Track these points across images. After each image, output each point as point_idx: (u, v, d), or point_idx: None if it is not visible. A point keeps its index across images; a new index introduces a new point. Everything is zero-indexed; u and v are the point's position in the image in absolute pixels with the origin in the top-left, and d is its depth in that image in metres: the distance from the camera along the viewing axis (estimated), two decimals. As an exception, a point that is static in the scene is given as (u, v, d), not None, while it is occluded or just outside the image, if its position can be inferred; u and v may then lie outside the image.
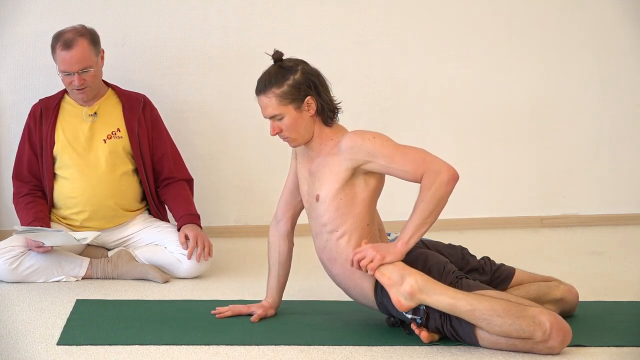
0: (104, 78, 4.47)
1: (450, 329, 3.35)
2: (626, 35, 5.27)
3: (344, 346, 3.41)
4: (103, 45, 4.40)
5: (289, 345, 3.43)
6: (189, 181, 4.59)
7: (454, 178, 3.36)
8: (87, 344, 3.43)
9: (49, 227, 4.29)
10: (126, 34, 4.94)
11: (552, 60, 5.28)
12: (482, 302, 3.27)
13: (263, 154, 5.11)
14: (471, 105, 5.27)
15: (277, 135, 3.52)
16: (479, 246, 3.93)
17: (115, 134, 4.43)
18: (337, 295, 3.84)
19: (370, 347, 3.41)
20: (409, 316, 3.37)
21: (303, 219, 3.73)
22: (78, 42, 4.28)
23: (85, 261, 4.29)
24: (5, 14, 4.85)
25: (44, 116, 4.42)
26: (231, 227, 5.17)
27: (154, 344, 3.43)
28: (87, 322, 3.68)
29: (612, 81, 5.32)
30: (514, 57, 5.26)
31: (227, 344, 3.43)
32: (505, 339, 3.28)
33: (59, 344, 3.44)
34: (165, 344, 3.43)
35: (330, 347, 3.41)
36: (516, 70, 5.27)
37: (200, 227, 4.40)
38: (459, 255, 3.65)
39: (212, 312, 3.74)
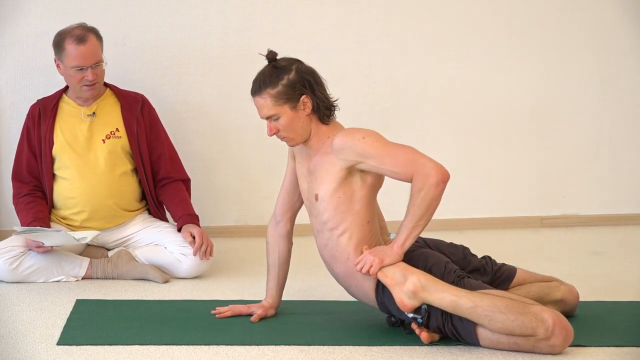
0: (102, 78, 4.48)
1: (451, 328, 3.35)
2: (626, 35, 5.27)
3: (344, 346, 3.41)
4: (103, 45, 4.41)
5: (289, 345, 3.43)
6: (186, 181, 4.59)
7: (444, 179, 3.34)
8: (87, 344, 3.43)
9: (49, 227, 4.29)
10: (126, 34, 4.94)
11: (552, 60, 5.28)
12: (484, 299, 3.28)
13: (263, 154, 5.11)
14: (471, 105, 5.27)
15: (274, 136, 3.52)
16: (479, 246, 3.93)
17: (114, 133, 4.43)
18: (337, 295, 3.84)
19: (370, 347, 3.41)
20: (410, 315, 3.37)
21: (303, 218, 3.73)
22: (89, 36, 4.31)
23: (85, 261, 4.29)
24: (5, 14, 4.85)
25: (42, 117, 4.42)
26: (231, 227, 5.17)
27: (154, 344, 3.43)
28: (87, 322, 3.68)
29: (612, 81, 5.32)
30: (514, 57, 5.26)
31: (227, 344, 3.43)
32: (506, 337, 3.28)
33: (59, 344, 3.44)
34: (165, 344, 3.43)
35: (330, 347, 3.41)
36: (516, 70, 5.27)
37: (199, 227, 4.40)
38: (460, 255, 3.65)
39: (212, 312, 3.74)
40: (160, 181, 4.51)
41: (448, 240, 3.73)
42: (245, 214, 5.18)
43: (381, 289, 3.45)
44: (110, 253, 4.39)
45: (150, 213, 4.53)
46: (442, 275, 3.41)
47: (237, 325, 3.62)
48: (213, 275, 4.38)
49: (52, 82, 4.64)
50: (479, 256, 3.70)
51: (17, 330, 3.59)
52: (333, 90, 3.54)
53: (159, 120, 4.58)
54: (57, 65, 4.37)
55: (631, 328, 3.60)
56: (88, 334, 3.55)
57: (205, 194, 5.05)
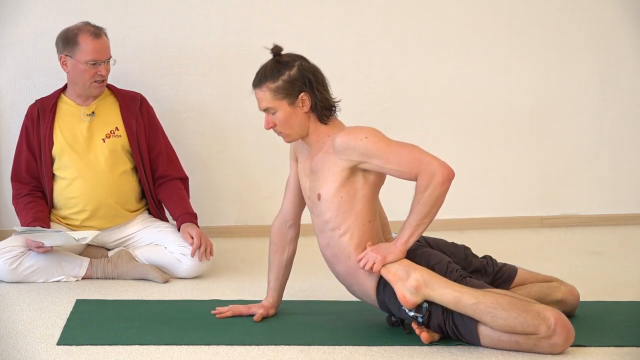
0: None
1: (452, 327, 3.35)
2: (626, 35, 5.27)
3: (344, 346, 3.41)
4: (107, 44, 4.43)
5: (289, 345, 3.43)
6: (184, 180, 4.59)
7: (449, 177, 3.35)
8: (87, 344, 3.43)
9: (49, 226, 4.29)
10: (126, 34, 4.94)
11: (552, 60, 5.28)
12: (487, 296, 3.28)
13: (263, 154, 5.11)
14: (471, 105, 5.27)
15: (271, 130, 3.52)
16: (479, 246, 3.93)
17: (114, 132, 4.43)
18: (337, 295, 3.84)
19: (370, 347, 3.41)
20: (411, 314, 3.37)
21: (303, 218, 3.73)
22: (102, 33, 4.36)
23: (85, 261, 4.29)
24: (5, 14, 4.85)
25: (41, 117, 4.42)
26: (231, 227, 5.16)
27: (154, 344, 3.43)
28: (87, 322, 3.68)
29: (612, 81, 5.32)
30: (514, 57, 5.26)
31: (227, 344, 3.43)
32: (507, 335, 3.28)
33: (59, 344, 3.43)
34: (165, 344, 3.43)
35: (330, 347, 3.41)
36: (516, 70, 5.27)
37: (198, 226, 4.40)
38: (461, 255, 3.65)
39: (213, 312, 3.74)
40: (158, 179, 4.51)
41: (448, 240, 3.73)
42: (245, 214, 5.18)
43: (382, 287, 3.45)
44: (110, 253, 4.39)
45: (150, 213, 4.53)
46: (445, 274, 3.41)
47: (237, 325, 3.62)
48: (213, 275, 4.38)
49: (52, 82, 4.64)
50: (479, 256, 3.71)
51: (17, 330, 3.59)
52: (333, 90, 3.54)
53: (157, 119, 4.58)
54: (64, 63, 4.36)
55: (631, 328, 3.60)
56: (88, 334, 3.55)
57: (205, 194, 5.06)
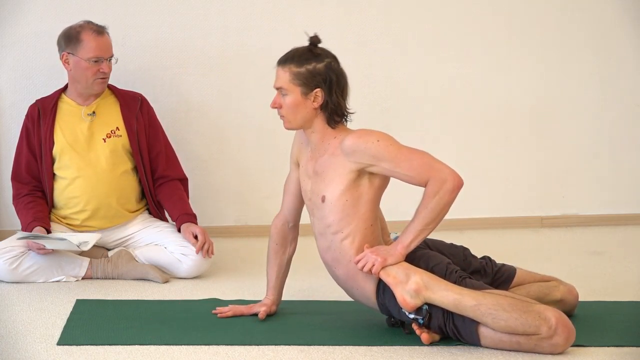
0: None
1: (452, 328, 3.34)
2: (626, 35, 5.27)
3: (344, 346, 3.41)
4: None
5: (289, 345, 3.43)
6: (183, 180, 4.59)
7: (459, 186, 3.37)
8: (87, 344, 3.43)
9: (49, 226, 4.29)
10: (126, 34, 4.93)
11: (552, 60, 5.28)
12: (488, 297, 3.28)
13: (263, 154, 5.11)
14: (471, 105, 5.27)
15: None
16: (479, 246, 3.93)
17: (115, 132, 4.43)
18: (337, 295, 3.84)
19: (370, 347, 3.41)
20: (412, 316, 3.37)
21: (302, 219, 3.73)
22: (105, 30, 4.37)
23: (85, 261, 4.29)
24: (5, 14, 4.85)
25: (41, 117, 4.42)
26: (231, 227, 5.16)
27: (154, 344, 3.43)
28: (87, 322, 3.68)
29: (612, 81, 5.32)
30: (514, 57, 5.26)
31: (227, 344, 3.43)
32: (508, 336, 3.27)
33: (59, 344, 3.43)
34: (165, 344, 3.43)
35: (330, 347, 3.41)
36: (516, 70, 5.27)
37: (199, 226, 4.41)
38: (460, 256, 3.65)
39: (213, 312, 3.74)
40: (157, 180, 4.51)
41: (448, 241, 3.73)
42: (245, 214, 5.18)
43: (382, 290, 3.44)
44: (110, 253, 4.39)
45: (150, 213, 4.53)
46: (444, 276, 3.41)
47: (237, 325, 3.62)
48: (213, 275, 4.38)
49: (52, 82, 4.64)
50: (479, 256, 3.71)
51: (17, 330, 3.59)
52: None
53: (157, 119, 4.58)
54: (66, 61, 4.36)
55: (631, 328, 3.60)
56: (88, 334, 3.55)
57: (205, 194, 5.06)
